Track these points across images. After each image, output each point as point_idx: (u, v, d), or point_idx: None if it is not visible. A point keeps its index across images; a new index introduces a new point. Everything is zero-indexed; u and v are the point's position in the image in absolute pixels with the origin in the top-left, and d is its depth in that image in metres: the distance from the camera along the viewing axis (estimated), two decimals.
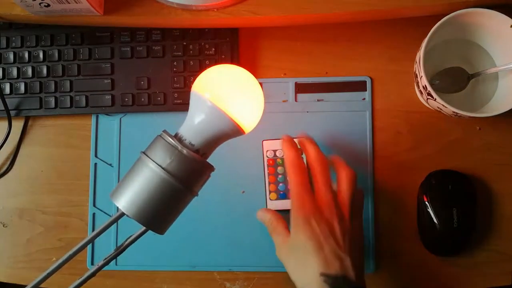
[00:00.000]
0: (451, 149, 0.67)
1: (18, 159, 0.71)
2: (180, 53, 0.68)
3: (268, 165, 0.67)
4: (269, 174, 0.66)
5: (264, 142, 0.67)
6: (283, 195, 0.66)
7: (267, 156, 0.67)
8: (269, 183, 0.66)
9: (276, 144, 0.66)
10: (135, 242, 0.44)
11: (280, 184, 0.66)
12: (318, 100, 0.68)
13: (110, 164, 0.69)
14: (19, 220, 0.70)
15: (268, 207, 0.66)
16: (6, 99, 0.69)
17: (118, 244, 0.45)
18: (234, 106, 0.46)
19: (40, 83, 0.69)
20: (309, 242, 0.54)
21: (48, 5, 0.58)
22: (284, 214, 0.61)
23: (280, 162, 0.66)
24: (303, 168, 0.58)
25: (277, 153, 0.66)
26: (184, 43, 0.68)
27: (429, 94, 0.59)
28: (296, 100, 0.69)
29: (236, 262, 0.67)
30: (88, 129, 0.70)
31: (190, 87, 0.48)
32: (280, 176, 0.66)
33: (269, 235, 0.61)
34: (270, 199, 0.66)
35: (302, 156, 0.60)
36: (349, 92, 0.68)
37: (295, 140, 0.62)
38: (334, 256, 0.53)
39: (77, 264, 0.66)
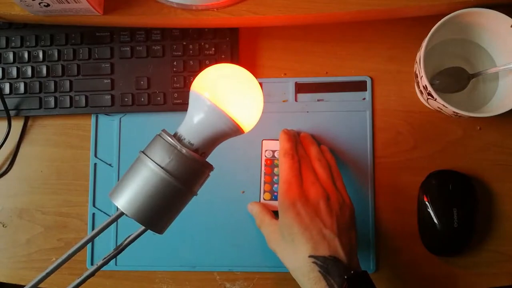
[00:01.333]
0: (451, 149, 0.67)
1: (18, 159, 0.71)
2: (180, 53, 0.68)
3: (265, 165, 0.67)
4: (265, 173, 0.66)
5: (263, 141, 0.67)
6: (277, 196, 0.66)
7: (265, 156, 0.67)
8: (264, 183, 0.66)
9: (275, 145, 0.66)
10: (135, 242, 0.44)
11: (275, 185, 0.66)
12: (318, 100, 0.68)
13: (110, 164, 0.69)
14: (19, 220, 0.69)
15: None
16: (6, 99, 0.69)
17: (118, 244, 0.44)
18: (234, 105, 0.46)
19: (40, 83, 0.69)
20: (295, 225, 0.55)
21: (48, 5, 0.58)
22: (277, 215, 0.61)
23: (277, 164, 0.66)
24: (295, 158, 0.59)
25: (276, 154, 0.66)
26: (184, 43, 0.68)
27: (429, 94, 0.59)
28: (296, 100, 0.68)
29: (236, 262, 0.67)
30: (88, 129, 0.70)
31: (190, 87, 0.48)
32: (276, 177, 0.66)
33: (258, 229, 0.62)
34: (264, 199, 0.66)
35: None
36: (349, 92, 0.68)
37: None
38: (322, 237, 0.54)
39: (77, 264, 0.67)
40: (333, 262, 0.53)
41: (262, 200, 0.66)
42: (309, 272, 0.53)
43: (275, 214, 0.63)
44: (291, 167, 0.58)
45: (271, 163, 0.67)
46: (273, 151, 0.67)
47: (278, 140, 0.66)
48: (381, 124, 0.68)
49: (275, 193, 0.66)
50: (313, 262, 0.53)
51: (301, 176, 0.58)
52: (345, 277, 0.52)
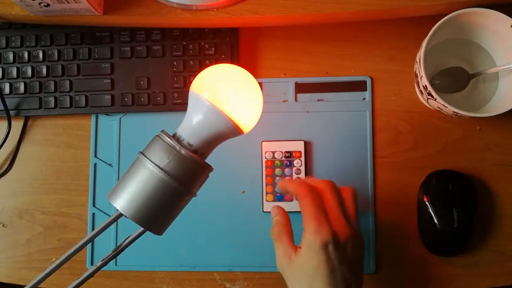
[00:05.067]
0: (451, 149, 0.67)
1: (18, 159, 0.71)
2: (180, 53, 0.68)
3: (266, 166, 0.67)
4: (266, 175, 0.67)
5: (263, 143, 0.67)
6: (280, 197, 0.66)
7: (265, 157, 0.67)
8: (266, 184, 0.66)
9: (275, 146, 0.67)
10: (135, 242, 0.44)
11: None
12: (318, 100, 0.68)
13: (110, 164, 0.69)
14: (19, 220, 0.70)
15: (264, 209, 0.67)
16: (6, 99, 0.69)
17: (118, 244, 0.45)
18: (233, 106, 0.45)
19: (40, 83, 0.69)
20: (322, 267, 0.52)
21: (48, 5, 0.58)
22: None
23: (278, 164, 0.66)
24: (315, 193, 0.55)
25: (276, 155, 0.66)
26: (184, 43, 0.68)
27: (429, 94, 0.59)
28: (296, 100, 0.68)
29: (236, 262, 0.67)
30: (88, 129, 0.70)
31: (190, 87, 0.48)
32: (277, 178, 0.66)
33: (270, 236, 0.59)
34: (267, 201, 0.66)
35: None
36: (349, 92, 0.68)
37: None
38: (343, 281, 0.52)
39: (77, 264, 0.67)
40: None
41: (265, 201, 0.66)
42: None
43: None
44: (318, 204, 0.54)
45: (272, 164, 0.67)
46: (273, 152, 0.67)
47: (277, 141, 0.66)
48: (381, 124, 0.67)
49: (278, 194, 0.66)
50: None
51: (325, 209, 0.54)
52: None
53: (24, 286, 0.43)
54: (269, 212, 0.65)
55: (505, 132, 0.67)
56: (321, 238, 0.52)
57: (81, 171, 0.69)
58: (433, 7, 0.59)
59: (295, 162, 0.66)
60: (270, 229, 0.58)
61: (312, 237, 0.53)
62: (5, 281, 0.69)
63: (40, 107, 0.69)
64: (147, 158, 0.43)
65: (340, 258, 0.52)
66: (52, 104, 0.69)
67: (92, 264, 0.68)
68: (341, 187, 0.56)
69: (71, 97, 0.69)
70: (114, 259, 0.45)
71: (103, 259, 0.43)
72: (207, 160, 0.46)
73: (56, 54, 0.69)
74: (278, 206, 0.59)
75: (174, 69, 0.68)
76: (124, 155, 0.69)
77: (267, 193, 0.66)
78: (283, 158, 0.66)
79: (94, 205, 0.69)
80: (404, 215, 0.66)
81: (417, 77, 0.61)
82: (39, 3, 0.58)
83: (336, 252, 0.52)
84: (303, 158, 0.66)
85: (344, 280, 0.52)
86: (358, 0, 0.59)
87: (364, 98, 0.68)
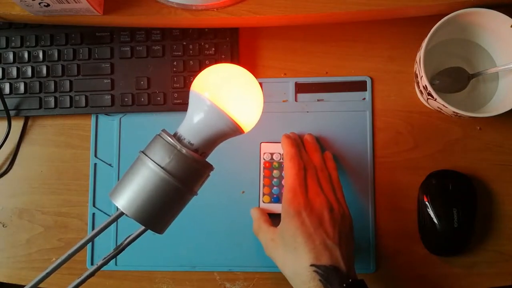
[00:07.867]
0: (451, 149, 0.67)
1: (18, 159, 0.71)
2: (180, 53, 0.68)
3: (264, 168, 0.67)
4: (264, 176, 0.67)
5: (262, 144, 0.67)
6: (276, 199, 0.66)
7: (263, 158, 0.67)
8: (264, 186, 0.66)
9: (274, 147, 0.67)
10: (135, 242, 0.44)
11: (274, 188, 0.66)
12: (318, 100, 0.68)
13: (110, 164, 0.69)
14: (19, 220, 0.69)
15: None
16: (6, 99, 0.69)
17: (118, 244, 0.45)
18: (233, 105, 0.46)
19: (40, 83, 0.69)
20: (299, 233, 0.55)
21: (48, 5, 0.58)
22: (276, 218, 0.62)
23: (276, 166, 0.66)
24: (301, 164, 0.59)
25: (274, 157, 0.66)
26: (184, 43, 0.68)
27: (429, 94, 0.59)
28: (296, 100, 0.68)
29: (236, 262, 0.67)
30: (88, 129, 0.70)
31: (190, 87, 0.48)
32: (275, 179, 0.66)
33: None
34: (263, 202, 0.66)
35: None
36: (349, 92, 0.68)
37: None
38: (324, 247, 0.54)
39: (77, 264, 0.67)
40: (333, 271, 0.53)
41: (261, 202, 0.66)
42: (310, 281, 0.53)
43: (273, 216, 0.63)
44: (297, 174, 0.58)
45: (270, 166, 0.67)
46: (271, 154, 0.67)
47: (276, 142, 0.66)
48: (381, 124, 0.67)
49: (274, 196, 0.66)
50: (314, 271, 0.53)
51: (306, 183, 0.58)
52: (344, 285, 0.52)
53: (24, 286, 0.43)
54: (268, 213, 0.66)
55: (505, 132, 0.67)
56: (294, 205, 0.56)
57: (81, 171, 0.69)
58: (433, 7, 0.59)
59: None
60: (253, 228, 0.63)
61: (286, 204, 0.57)
62: (5, 281, 0.69)
63: (40, 107, 0.69)
64: (148, 157, 0.43)
65: (315, 225, 0.55)
66: (52, 104, 0.69)
67: (92, 264, 0.68)
68: (329, 164, 0.63)
69: (71, 97, 0.69)
70: (114, 259, 0.45)
71: (104, 258, 0.43)
72: (208, 159, 0.47)
73: (56, 54, 0.69)
74: (253, 208, 0.65)
75: (174, 69, 0.68)
76: (124, 155, 0.69)
77: (264, 194, 0.66)
78: (281, 160, 0.66)
79: (94, 205, 0.68)
80: (404, 215, 0.66)
81: (417, 77, 0.61)
82: (39, 3, 0.58)
83: (311, 218, 0.56)
84: None
85: (325, 246, 0.55)
86: (358, 0, 0.59)
87: (364, 98, 0.68)
